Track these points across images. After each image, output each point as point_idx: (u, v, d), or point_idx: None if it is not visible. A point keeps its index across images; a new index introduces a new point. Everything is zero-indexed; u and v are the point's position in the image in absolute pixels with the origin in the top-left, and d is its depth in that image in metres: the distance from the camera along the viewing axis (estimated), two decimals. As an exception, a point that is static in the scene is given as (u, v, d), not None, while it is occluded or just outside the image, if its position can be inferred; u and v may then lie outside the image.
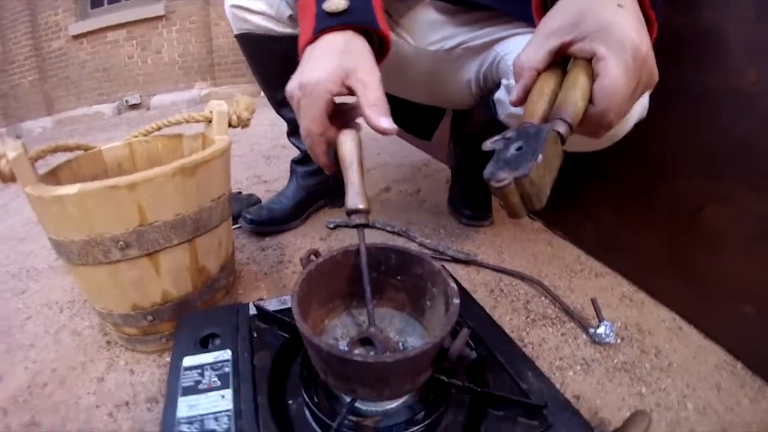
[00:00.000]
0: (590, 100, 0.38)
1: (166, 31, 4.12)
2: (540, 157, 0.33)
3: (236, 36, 0.92)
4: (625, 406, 0.58)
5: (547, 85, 0.41)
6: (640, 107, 0.60)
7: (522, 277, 0.86)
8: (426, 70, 0.89)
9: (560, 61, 0.42)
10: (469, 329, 0.40)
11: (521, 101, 0.42)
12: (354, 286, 0.50)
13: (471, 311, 0.59)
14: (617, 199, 0.88)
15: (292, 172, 1.16)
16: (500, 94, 0.74)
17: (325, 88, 0.47)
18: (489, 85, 0.84)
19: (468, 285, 0.84)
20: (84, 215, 0.56)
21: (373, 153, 1.77)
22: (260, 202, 1.21)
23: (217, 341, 0.55)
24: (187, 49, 4.18)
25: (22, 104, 4.33)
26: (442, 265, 0.47)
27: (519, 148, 0.35)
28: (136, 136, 0.82)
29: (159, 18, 4.05)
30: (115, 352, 0.71)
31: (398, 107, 1.11)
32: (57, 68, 4.27)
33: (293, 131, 1.11)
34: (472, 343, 0.49)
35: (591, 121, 0.39)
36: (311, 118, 0.48)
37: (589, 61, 0.39)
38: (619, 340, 0.69)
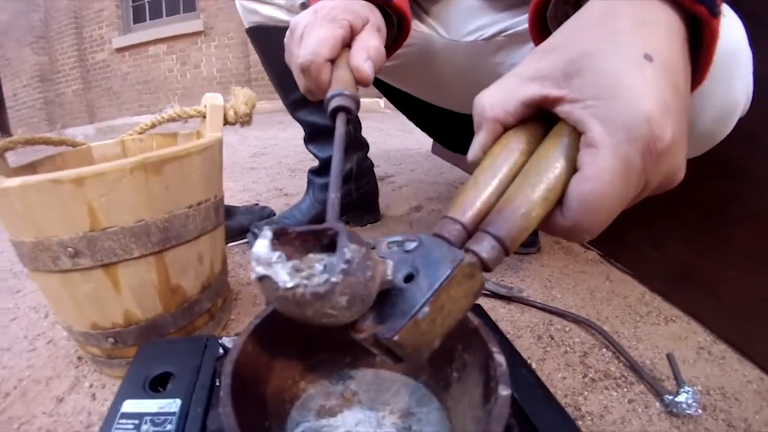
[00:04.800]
0: (561, 200, 0.24)
1: (205, 47, 4.25)
2: (423, 311, 0.21)
3: (247, 30, 0.86)
4: None
5: (508, 154, 0.26)
6: (745, 98, 0.45)
7: (577, 320, 0.70)
8: (462, 67, 0.75)
9: (541, 113, 0.27)
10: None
11: (479, 160, 0.28)
12: (348, 336, 0.36)
13: (515, 373, 0.43)
14: (690, 223, 0.72)
15: (309, 183, 1.04)
16: None
17: (346, 9, 0.41)
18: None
19: (510, 328, 0.69)
20: (29, 213, 0.46)
21: (406, 169, 1.65)
22: (274, 215, 1.10)
23: (171, 385, 0.42)
24: (225, 65, 4.29)
25: (66, 112, 4.58)
26: (480, 321, 0.32)
27: (409, 277, 0.23)
28: (130, 134, 0.75)
29: (198, 34, 4.19)
30: (82, 371, 0.63)
31: (432, 118, 0.99)
32: (100, 79, 4.50)
33: (311, 137, 1.00)
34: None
35: (556, 231, 0.25)
36: (322, 37, 0.40)
37: (579, 133, 0.24)
38: (700, 411, 0.53)
